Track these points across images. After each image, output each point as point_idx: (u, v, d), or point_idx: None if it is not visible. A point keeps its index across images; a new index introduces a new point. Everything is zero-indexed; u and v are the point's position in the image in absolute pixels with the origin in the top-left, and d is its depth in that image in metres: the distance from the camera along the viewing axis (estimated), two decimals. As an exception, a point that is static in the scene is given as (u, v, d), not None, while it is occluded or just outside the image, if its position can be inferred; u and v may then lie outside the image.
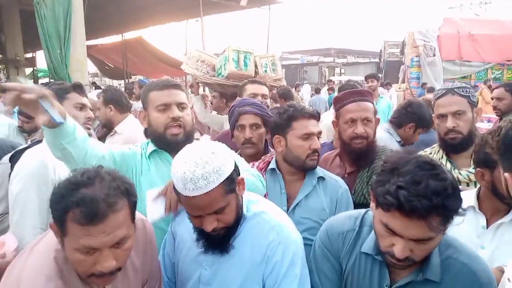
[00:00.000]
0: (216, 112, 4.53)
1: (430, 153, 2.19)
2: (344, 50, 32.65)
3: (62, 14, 5.55)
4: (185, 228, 1.51)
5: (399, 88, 13.51)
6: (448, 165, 2.07)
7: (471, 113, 2.05)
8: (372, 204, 1.28)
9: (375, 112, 2.16)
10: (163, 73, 12.90)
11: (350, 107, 2.09)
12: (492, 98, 3.94)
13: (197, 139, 2.21)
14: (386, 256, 1.26)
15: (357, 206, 1.91)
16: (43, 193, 1.83)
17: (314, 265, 1.50)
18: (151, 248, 1.49)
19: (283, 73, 4.64)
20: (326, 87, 15.29)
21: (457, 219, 1.16)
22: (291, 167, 1.94)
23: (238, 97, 3.12)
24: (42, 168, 1.89)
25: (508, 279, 1.09)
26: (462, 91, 2.04)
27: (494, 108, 3.81)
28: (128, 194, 1.20)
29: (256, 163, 2.10)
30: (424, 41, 12.96)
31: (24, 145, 2.34)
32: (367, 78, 5.96)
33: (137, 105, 6.35)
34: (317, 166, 1.95)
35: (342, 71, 30.30)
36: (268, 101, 3.20)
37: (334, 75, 27.55)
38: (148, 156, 1.84)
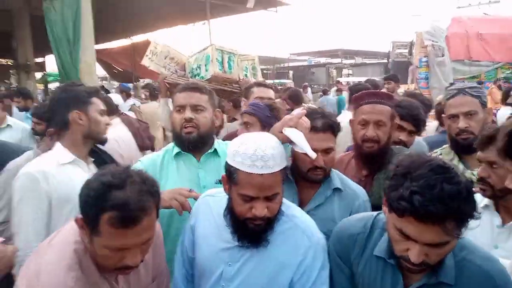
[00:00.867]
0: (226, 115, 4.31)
1: (440, 154, 2.17)
2: (351, 51, 32.42)
3: (71, 17, 5.61)
4: (207, 224, 1.55)
5: (408, 89, 13.41)
6: (461, 166, 2.05)
7: (483, 113, 2.04)
8: (384, 208, 1.27)
9: (393, 116, 2.08)
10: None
11: (365, 108, 2.05)
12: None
13: None
14: (401, 261, 1.25)
15: (375, 208, 1.83)
16: (36, 207, 1.84)
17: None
18: (159, 246, 1.55)
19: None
20: (335, 88, 15.22)
21: (472, 223, 1.14)
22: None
23: (243, 99, 3.09)
24: (32, 183, 1.85)
25: None
26: (474, 91, 2.03)
27: None
28: (155, 195, 1.25)
29: None
30: (433, 41, 12.84)
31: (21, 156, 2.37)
32: (385, 79, 5.96)
33: (131, 101, 6.71)
34: (336, 175, 1.90)
35: (350, 72, 30.20)
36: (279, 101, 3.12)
37: (341, 76, 27.46)
38: (174, 157, 1.96)
